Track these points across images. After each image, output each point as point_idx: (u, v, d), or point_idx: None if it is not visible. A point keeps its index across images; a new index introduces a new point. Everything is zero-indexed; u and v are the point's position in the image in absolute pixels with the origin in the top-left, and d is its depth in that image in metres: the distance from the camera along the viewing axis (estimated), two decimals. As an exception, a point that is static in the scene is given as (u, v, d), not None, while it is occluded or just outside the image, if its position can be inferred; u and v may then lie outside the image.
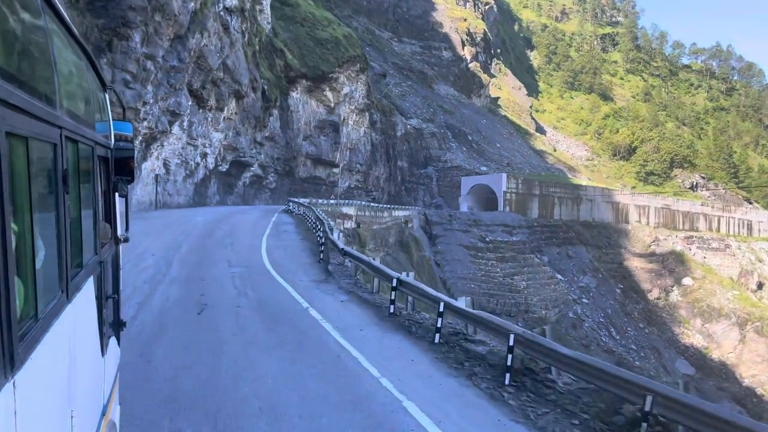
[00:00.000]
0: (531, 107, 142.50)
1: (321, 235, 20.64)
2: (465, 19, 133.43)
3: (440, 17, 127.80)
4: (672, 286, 67.19)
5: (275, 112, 49.05)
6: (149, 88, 31.29)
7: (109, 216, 4.07)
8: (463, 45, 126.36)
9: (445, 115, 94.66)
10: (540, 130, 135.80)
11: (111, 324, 4.14)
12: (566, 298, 57.90)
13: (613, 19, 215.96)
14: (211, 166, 43.17)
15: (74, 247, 2.87)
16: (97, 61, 3.84)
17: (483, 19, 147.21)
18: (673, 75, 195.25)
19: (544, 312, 53.20)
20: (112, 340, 4.17)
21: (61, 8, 2.57)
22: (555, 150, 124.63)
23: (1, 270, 1.65)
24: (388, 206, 51.07)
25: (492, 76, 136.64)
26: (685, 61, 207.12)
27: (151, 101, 31.84)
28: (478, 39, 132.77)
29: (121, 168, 4.00)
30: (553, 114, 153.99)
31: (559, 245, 67.30)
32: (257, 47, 44.95)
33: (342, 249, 17.57)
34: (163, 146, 35.94)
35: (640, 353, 56.04)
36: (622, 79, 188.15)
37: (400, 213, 52.46)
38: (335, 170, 59.03)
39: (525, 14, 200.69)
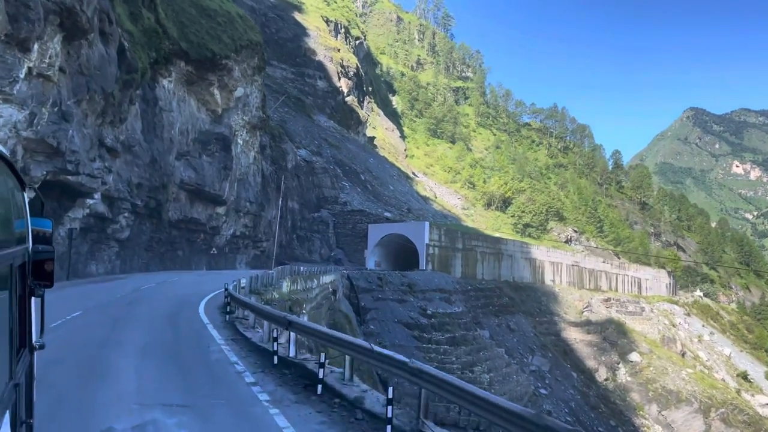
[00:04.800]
0: (406, 150, 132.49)
1: None
2: (338, 50, 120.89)
3: (313, 44, 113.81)
4: (618, 363, 56.73)
5: (137, 103, 28.15)
6: None
7: (24, 323, 3.37)
8: (339, 77, 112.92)
9: (331, 149, 78.69)
10: (415, 175, 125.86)
11: None
12: (530, 392, 43.76)
13: (464, 74, 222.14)
14: None
15: None
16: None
17: (354, 53, 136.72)
18: (517, 131, 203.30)
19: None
20: None
21: None
22: (436, 197, 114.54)
23: None
24: (315, 270, 33.04)
25: (367, 114, 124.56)
26: (525, 119, 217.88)
27: None
28: (351, 73, 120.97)
29: (39, 271, 3.31)
30: (421, 160, 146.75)
31: (496, 314, 53.77)
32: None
33: None
34: None
35: (622, 462, 43.45)
36: (474, 131, 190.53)
37: (326, 279, 35.04)
38: (220, 210, 38.90)
39: (384, 60, 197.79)
